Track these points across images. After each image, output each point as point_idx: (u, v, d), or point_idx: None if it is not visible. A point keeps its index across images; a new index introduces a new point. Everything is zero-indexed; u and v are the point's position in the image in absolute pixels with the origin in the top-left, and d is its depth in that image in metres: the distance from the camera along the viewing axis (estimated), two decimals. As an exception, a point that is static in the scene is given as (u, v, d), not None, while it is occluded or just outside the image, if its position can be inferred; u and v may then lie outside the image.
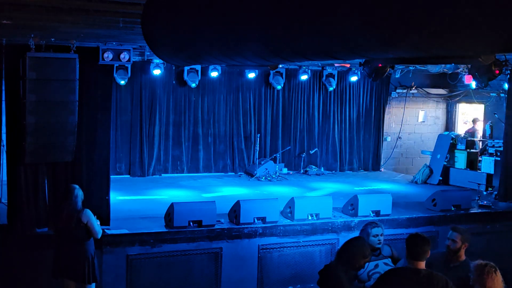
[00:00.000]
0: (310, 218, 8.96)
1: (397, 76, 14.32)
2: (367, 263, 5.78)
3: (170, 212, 8.26)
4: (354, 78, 14.11)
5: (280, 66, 12.58)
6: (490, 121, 14.17)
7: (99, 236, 6.94)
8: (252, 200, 9.21)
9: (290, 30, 3.45)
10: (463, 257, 5.61)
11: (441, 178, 12.90)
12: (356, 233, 7.06)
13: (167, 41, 4.99)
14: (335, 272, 5.15)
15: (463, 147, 13.17)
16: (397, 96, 15.16)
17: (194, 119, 13.08)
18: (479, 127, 14.35)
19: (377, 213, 9.37)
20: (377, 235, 6.03)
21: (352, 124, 14.58)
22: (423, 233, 8.19)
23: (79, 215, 6.79)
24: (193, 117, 13.10)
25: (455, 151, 13.22)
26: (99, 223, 6.97)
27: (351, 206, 9.37)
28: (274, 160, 13.33)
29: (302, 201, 9.10)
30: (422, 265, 4.71)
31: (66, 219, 6.82)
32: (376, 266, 5.86)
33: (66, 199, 6.90)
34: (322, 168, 14.11)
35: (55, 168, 8.01)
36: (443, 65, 12.12)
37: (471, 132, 14.01)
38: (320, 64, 13.47)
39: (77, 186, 7.01)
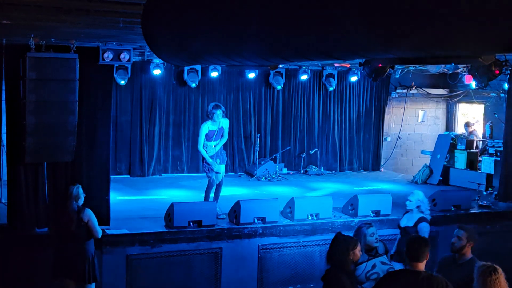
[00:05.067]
0: (310, 218, 8.96)
1: (397, 76, 14.32)
2: (365, 264, 5.79)
3: (170, 212, 8.26)
4: (354, 78, 14.10)
5: (280, 66, 12.57)
6: (490, 121, 14.17)
7: (100, 235, 6.96)
8: (252, 200, 9.21)
9: (290, 30, 3.45)
10: (469, 255, 5.62)
11: (441, 178, 12.89)
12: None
13: (167, 41, 4.99)
14: (336, 275, 5.16)
15: (463, 147, 13.17)
16: (397, 96, 15.15)
17: (194, 119, 13.07)
18: (478, 129, 14.33)
19: (377, 213, 9.37)
20: (373, 234, 6.10)
21: (352, 124, 14.58)
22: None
23: (80, 215, 6.80)
24: (193, 117, 13.09)
25: (455, 151, 13.21)
26: None
27: (351, 206, 9.37)
28: (274, 160, 13.32)
29: (302, 201, 9.10)
30: (421, 266, 4.71)
31: (67, 219, 6.83)
32: (374, 266, 5.87)
33: (66, 199, 6.90)
34: (322, 168, 14.10)
35: (55, 168, 8.01)
36: (443, 65, 12.11)
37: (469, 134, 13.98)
38: (320, 64, 13.47)
39: (76, 185, 7.01)
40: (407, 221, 7.50)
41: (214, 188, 9.21)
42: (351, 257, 5.26)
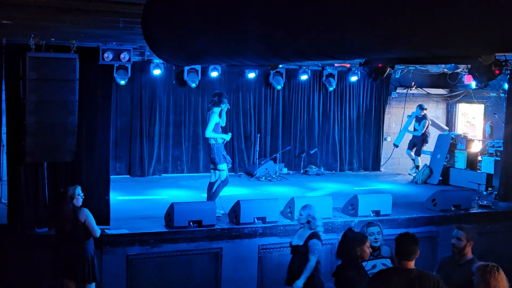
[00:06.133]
0: (310, 218, 8.94)
1: (397, 76, 14.33)
2: (365, 262, 5.81)
3: (170, 212, 8.26)
4: (354, 78, 14.10)
5: (280, 66, 12.57)
6: (490, 121, 14.16)
7: (98, 234, 6.95)
8: (252, 200, 9.20)
9: (290, 30, 3.45)
10: (470, 255, 5.62)
11: (441, 178, 12.90)
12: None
13: (167, 41, 5.00)
14: (345, 271, 5.22)
15: (463, 147, 13.18)
16: (397, 96, 15.15)
17: (194, 119, 13.08)
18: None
19: (377, 213, 9.37)
20: (373, 234, 6.09)
21: (352, 124, 14.58)
22: (423, 233, 8.22)
23: (77, 214, 6.79)
24: (193, 117, 13.09)
25: (455, 151, 13.22)
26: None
27: (351, 206, 9.37)
28: (274, 160, 13.32)
29: (302, 201, 9.08)
30: (412, 264, 4.71)
31: (64, 218, 6.82)
32: (374, 266, 5.88)
33: (64, 199, 6.90)
34: (322, 168, 14.10)
35: (55, 168, 8.01)
36: (443, 65, 12.12)
37: (421, 118, 13.72)
38: (320, 64, 13.47)
39: (73, 186, 7.00)
40: (298, 240, 6.78)
41: (218, 187, 9.10)
42: (359, 253, 5.33)
